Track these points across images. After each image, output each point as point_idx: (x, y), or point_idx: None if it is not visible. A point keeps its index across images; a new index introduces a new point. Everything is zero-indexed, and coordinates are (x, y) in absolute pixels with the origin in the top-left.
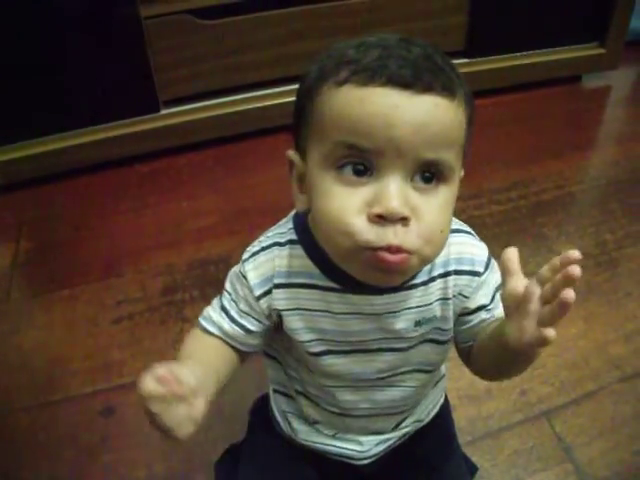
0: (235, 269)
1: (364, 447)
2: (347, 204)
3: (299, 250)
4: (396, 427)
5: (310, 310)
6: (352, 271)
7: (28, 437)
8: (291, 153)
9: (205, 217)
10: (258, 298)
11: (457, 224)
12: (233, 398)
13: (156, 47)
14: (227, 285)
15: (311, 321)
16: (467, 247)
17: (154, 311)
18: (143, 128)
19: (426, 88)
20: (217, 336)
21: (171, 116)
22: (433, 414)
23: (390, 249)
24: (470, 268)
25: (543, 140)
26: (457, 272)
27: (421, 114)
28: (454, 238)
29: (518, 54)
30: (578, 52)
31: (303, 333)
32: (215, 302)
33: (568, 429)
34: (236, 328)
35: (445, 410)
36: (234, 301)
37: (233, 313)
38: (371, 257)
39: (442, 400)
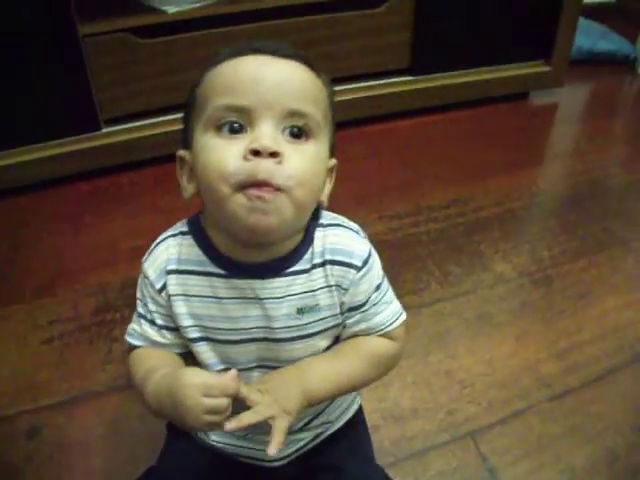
0: (140, 278)
1: None
2: (226, 153)
3: (189, 240)
4: (304, 427)
5: (195, 296)
6: (232, 221)
7: None
8: (180, 152)
9: (141, 237)
10: (159, 291)
11: (342, 221)
12: (154, 419)
13: (96, 65)
14: (137, 293)
15: (194, 307)
16: (344, 239)
17: (84, 331)
18: (84, 147)
19: (287, 56)
20: (149, 344)
21: (112, 135)
22: (346, 419)
23: (261, 183)
24: (347, 260)
25: (486, 157)
26: (332, 262)
27: (284, 70)
28: (332, 230)
29: (464, 71)
30: (524, 69)
31: (185, 318)
32: (133, 315)
33: (493, 449)
34: (155, 329)
35: (358, 418)
36: (145, 305)
37: (150, 316)
38: (244, 194)
39: (355, 406)
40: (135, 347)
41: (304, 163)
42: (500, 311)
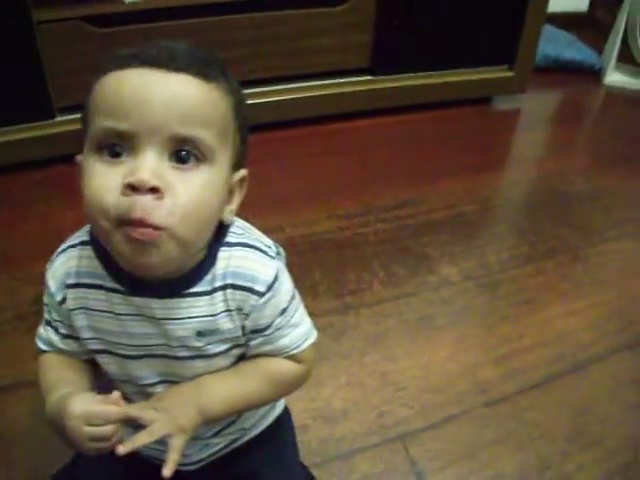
0: None
1: (186, 452)
2: (105, 183)
3: (89, 251)
4: (217, 434)
5: (94, 310)
6: (116, 254)
7: None
8: (78, 157)
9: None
10: (60, 303)
11: (251, 239)
12: None
13: (50, 53)
14: (44, 299)
15: (94, 320)
16: (249, 262)
17: (22, 319)
18: (37, 134)
19: (179, 68)
20: (54, 350)
21: (66, 123)
22: (264, 425)
23: (139, 223)
24: (248, 285)
25: (443, 160)
26: (233, 286)
27: (171, 90)
28: (238, 251)
29: (425, 73)
30: (487, 74)
31: (85, 331)
32: (42, 318)
33: (423, 453)
34: (59, 337)
35: (281, 423)
36: (49, 312)
37: (54, 323)
38: (123, 232)
39: (277, 412)
40: (43, 351)
41: (190, 194)
42: (441, 314)
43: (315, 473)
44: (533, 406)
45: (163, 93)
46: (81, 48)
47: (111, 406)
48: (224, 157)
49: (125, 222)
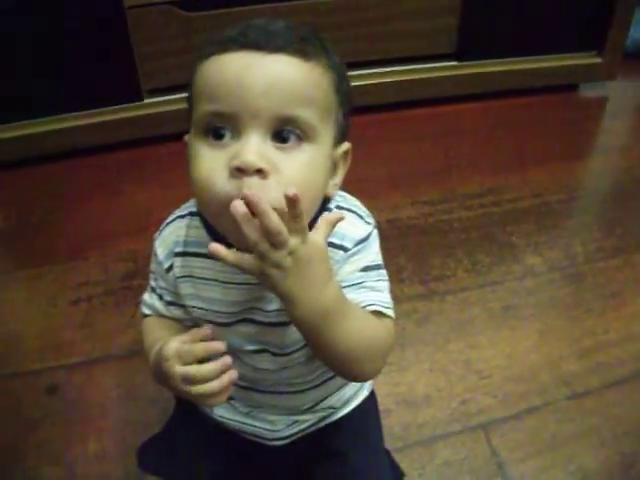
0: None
1: (276, 427)
2: (211, 166)
3: (197, 221)
4: (308, 410)
5: (200, 278)
6: (224, 232)
7: None
8: (186, 137)
9: (177, 206)
10: (167, 270)
11: (349, 205)
12: None
13: (140, 37)
14: (150, 266)
15: (199, 289)
16: (343, 223)
17: (111, 295)
18: (126, 116)
19: (278, 49)
20: (157, 316)
21: (154, 105)
22: (352, 406)
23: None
24: (338, 242)
25: (528, 148)
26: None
27: (272, 71)
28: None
29: (511, 59)
30: (574, 60)
31: (190, 299)
32: (148, 285)
33: (504, 443)
34: (163, 304)
35: (368, 405)
36: (155, 279)
37: (159, 290)
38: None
39: (365, 393)
40: (147, 316)
41: (294, 173)
42: (526, 305)
43: (396, 457)
44: (619, 401)
45: (263, 75)
46: (170, 32)
47: (198, 342)
48: (326, 133)
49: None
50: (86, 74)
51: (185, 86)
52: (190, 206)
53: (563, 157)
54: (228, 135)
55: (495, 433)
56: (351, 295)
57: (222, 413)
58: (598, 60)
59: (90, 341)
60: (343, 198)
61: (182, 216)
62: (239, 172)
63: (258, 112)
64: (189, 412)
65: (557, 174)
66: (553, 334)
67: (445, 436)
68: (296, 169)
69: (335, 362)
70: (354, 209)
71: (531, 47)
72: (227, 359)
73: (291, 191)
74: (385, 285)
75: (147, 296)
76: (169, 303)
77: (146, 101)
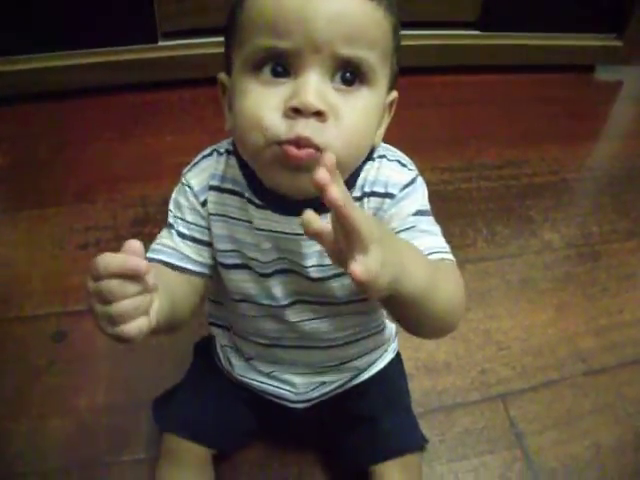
0: (176, 189)
1: (299, 389)
2: (264, 101)
3: (233, 161)
4: (331, 369)
5: (233, 218)
6: (263, 173)
7: None
8: (221, 75)
9: (187, 154)
10: (202, 204)
11: (389, 151)
12: (186, 338)
13: None
14: (170, 206)
15: (233, 230)
16: (385, 170)
17: (121, 241)
18: (139, 57)
19: None
20: (165, 262)
21: (168, 49)
22: (378, 368)
23: (298, 142)
24: (382, 190)
25: (545, 124)
26: (370, 194)
27: (336, 6)
28: (376, 163)
29: (532, 34)
30: (593, 41)
31: (223, 241)
32: (160, 232)
33: (523, 415)
34: (186, 242)
35: (394, 368)
36: (179, 218)
37: (181, 228)
38: (278, 151)
39: (391, 356)
40: (162, 262)
41: (354, 118)
42: (544, 279)
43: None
44: (632, 381)
45: (327, 9)
46: None
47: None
48: (383, 79)
49: (284, 142)
50: (101, 10)
51: (202, 31)
52: (227, 145)
53: (580, 136)
54: (285, 74)
55: (513, 404)
56: (407, 239)
57: (243, 372)
58: (617, 43)
59: None
60: (385, 148)
61: (219, 152)
62: (295, 113)
63: (320, 48)
64: (209, 369)
65: (574, 153)
66: (570, 310)
67: (464, 404)
68: (355, 114)
69: (437, 322)
70: (396, 158)
71: (553, 23)
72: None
73: (329, 159)
74: (439, 229)
75: (166, 240)
76: (200, 242)
77: (161, 44)
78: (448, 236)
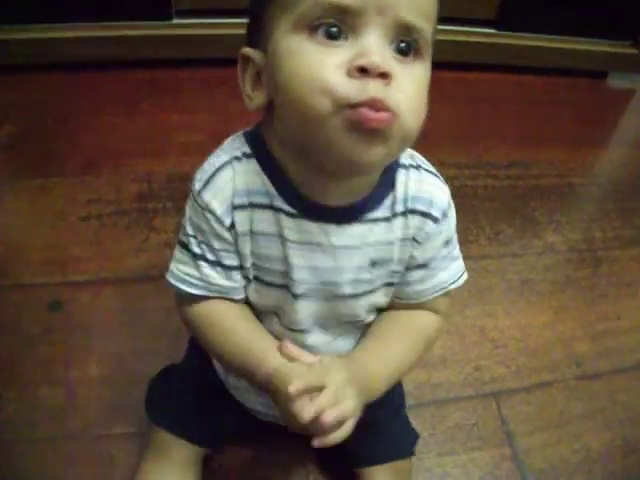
0: (189, 206)
1: None
2: (323, 61)
3: (254, 165)
4: None
5: (261, 233)
6: (330, 145)
7: None
8: (247, 49)
9: (195, 133)
10: (229, 228)
11: (422, 162)
12: None
13: None
14: (188, 229)
15: (257, 246)
16: (426, 185)
17: (123, 215)
18: (152, 33)
19: None
20: (212, 292)
21: (182, 27)
22: None
23: (374, 103)
24: (427, 209)
25: (554, 127)
26: (413, 211)
27: None
28: (414, 174)
29: (548, 36)
30: (608, 47)
31: (249, 258)
32: (180, 254)
33: (514, 414)
34: (221, 271)
35: None
36: (206, 243)
37: (211, 256)
38: (351, 115)
39: None
40: (195, 297)
41: (414, 87)
42: (544, 280)
43: (408, 415)
44: (625, 388)
45: None
46: None
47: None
48: (430, 58)
49: (357, 103)
50: None
51: (217, 12)
52: (240, 145)
53: (588, 142)
54: (342, 36)
55: (505, 403)
56: (424, 285)
57: (236, 384)
58: (632, 51)
59: (98, 260)
60: (408, 153)
61: (237, 158)
62: (362, 73)
63: (384, 9)
64: (202, 363)
65: (581, 158)
66: (567, 313)
67: (457, 400)
68: (415, 84)
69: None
70: (429, 168)
71: (569, 27)
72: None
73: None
74: (457, 245)
75: (186, 269)
76: (231, 268)
77: (174, 21)
78: None
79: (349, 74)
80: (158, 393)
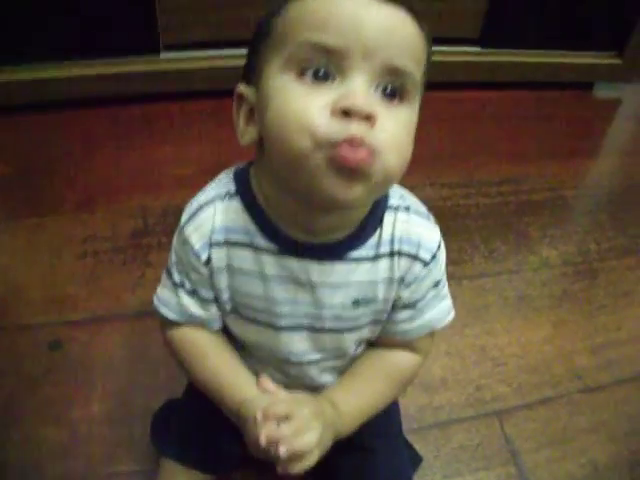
0: (175, 237)
1: None
2: (309, 102)
3: (237, 203)
4: None
5: (242, 271)
6: (311, 183)
7: None
8: (241, 86)
9: (187, 166)
10: (205, 263)
11: (412, 202)
12: None
13: None
14: (172, 257)
15: (236, 281)
16: (414, 227)
17: (119, 252)
18: (141, 69)
19: (396, 2)
20: (190, 321)
21: (170, 61)
22: None
23: (353, 141)
24: (414, 252)
25: (543, 141)
26: (400, 253)
27: (391, 18)
28: (403, 215)
29: (534, 51)
30: (593, 59)
31: (224, 292)
32: (164, 279)
33: (518, 432)
34: (197, 301)
35: None
36: (185, 273)
37: (189, 286)
38: (331, 154)
39: None
40: (173, 322)
41: (398, 128)
42: (541, 296)
43: (411, 438)
44: (628, 399)
45: (382, 17)
46: None
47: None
48: (419, 100)
49: (337, 142)
50: (103, 21)
51: (204, 44)
52: (226, 183)
53: (578, 154)
54: (330, 78)
55: (509, 421)
56: (411, 325)
57: None
58: (617, 61)
59: (96, 298)
60: (401, 192)
61: (219, 197)
62: (345, 115)
63: (372, 53)
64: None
65: (572, 170)
66: (566, 327)
67: (460, 421)
68: (398, 128)
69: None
70: (419, 209)
71: (554, 41)
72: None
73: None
74: (446, 283)
75: (168, 294)
76: (206, 300)
77: (162, 56)
78: (446, 252)
79: (333, 115)
80: (162, 424)
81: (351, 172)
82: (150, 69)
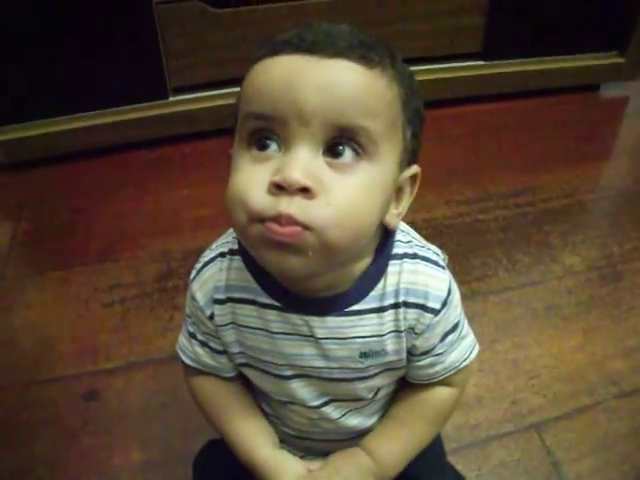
0: (188, 289)
1: (336, 448)
2: (251, 178)
3: (238, 261)
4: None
5: (245, 327)
6: (252, 253)
7: (10, 415)
8: (231, 151)
9: (205, 207)
10: (209, 318)
11: (420, 249)
12: None
13: (168, 33)
14: (187, 309)
15: (244, 337)
16: (421, 276)
17: (146, 297)
18: (151, 114)
19: (336, 53)
20: (202, 367)
21: (179, 103)
22: None
23: (279, 218)
24: (422, 302)
25: (555, 148)
26: (406, 304)
27: (327, 76)
28: (408, 265)
29: (534, 59)
30: (596, 60)
31: (234, 346)
32: (184, 327)
33: (558, 443)
34: (207, 351)
35: None
36: (196, 325)
37: (200, 337)
38: (261, 230)
39: None
40: (188, 366)
41: (347, 195)
42: (568, 304)
43: (452, 459)
44: None
45: (317, 78)
46: (198, 29)
47: None
48: (390, 153)
49: (266, 218)
50: (112, 72)
51: (211, 84)
52: (230, 241)
53: (589, 157)
54: (274, 146)
55: (548, 433)
56: (435, 368)
57: None
58: (620, 60)
59: (127, 345)
60: (410, 238)
61: (222, 255)
62: (279, 189)
63: (309, 118)
64: None
65: (586, 174)
66: (597, 333)
67: (499, 437)
68: (350, 190)
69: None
70: (427, 255)
71: (555, 46)
72: None
73: None
74: (467, 323)
75: (185, 341)
76: (215, 351)
77: (171, 99)
78: (469, 268)
79: (269, 191)
80: (205, 466)
81: (282, 246)
82: (160, 113)
